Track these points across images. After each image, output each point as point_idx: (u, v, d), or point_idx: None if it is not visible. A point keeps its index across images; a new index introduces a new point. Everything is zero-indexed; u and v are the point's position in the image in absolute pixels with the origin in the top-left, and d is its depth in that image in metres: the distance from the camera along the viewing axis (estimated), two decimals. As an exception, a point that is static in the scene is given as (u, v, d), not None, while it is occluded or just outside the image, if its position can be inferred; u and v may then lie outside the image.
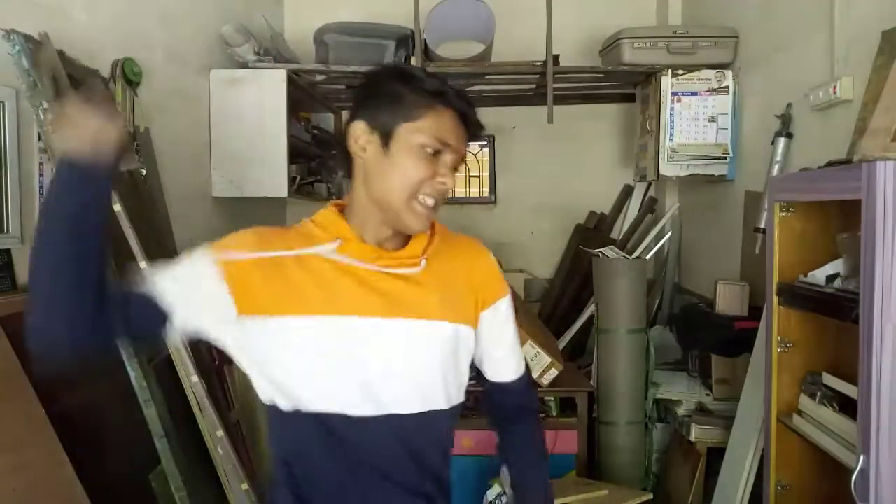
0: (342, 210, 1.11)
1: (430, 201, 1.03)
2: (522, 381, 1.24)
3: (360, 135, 1.05)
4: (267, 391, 1.06)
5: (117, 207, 1.89)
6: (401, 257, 1.07)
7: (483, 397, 1.28)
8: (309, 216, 1.10)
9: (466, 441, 2.58)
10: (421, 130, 1.02)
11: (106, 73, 2.26)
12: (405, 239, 1.10)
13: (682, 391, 2.81)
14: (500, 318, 1.18)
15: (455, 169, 1.07)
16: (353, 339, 1.03)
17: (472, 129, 1.09)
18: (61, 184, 0.88)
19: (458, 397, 1.12)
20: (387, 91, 1.05)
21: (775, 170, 2.45)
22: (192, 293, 0.98)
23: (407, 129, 1.02)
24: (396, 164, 1.02)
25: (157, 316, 0.95)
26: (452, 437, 1.16)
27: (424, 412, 1.06)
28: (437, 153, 1.03)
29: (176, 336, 1.00)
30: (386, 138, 1.03)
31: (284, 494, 1.07)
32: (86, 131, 0.86)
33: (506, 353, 1.21)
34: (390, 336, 1.04)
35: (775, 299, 1.80)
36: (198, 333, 1.01)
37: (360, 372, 1.03)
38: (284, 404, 1.04)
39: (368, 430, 1.03)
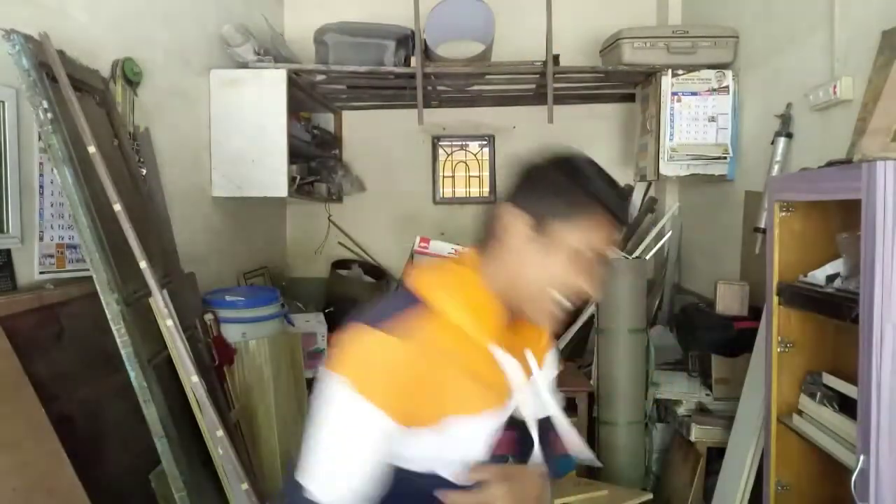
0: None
1: (567, 305, 0.99)
2: None
3: (512, 219, 1.00)
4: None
5: (117, 207, 1.89)
6: (535, 346, 1.08)
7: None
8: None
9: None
10: (577, 232, 0.97)
11: (106, 73, 2.26)
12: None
13: (682, 391, 2.81)
14: None
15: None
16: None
17: (621, 231, 1.05)
18: None
19: None
20: (550, 181, 1.00)
21: (775, 170, 2.45)
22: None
23: (563, 227, 0.97)
24: (545, 258, 0.97)
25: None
26: None
27: None
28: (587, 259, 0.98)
29: None
30: (540, 228, 0.98)
31: None
32: None
33: None
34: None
35: (775, 299, 1.80)
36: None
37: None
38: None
39: None
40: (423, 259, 3.39)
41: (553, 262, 0.97)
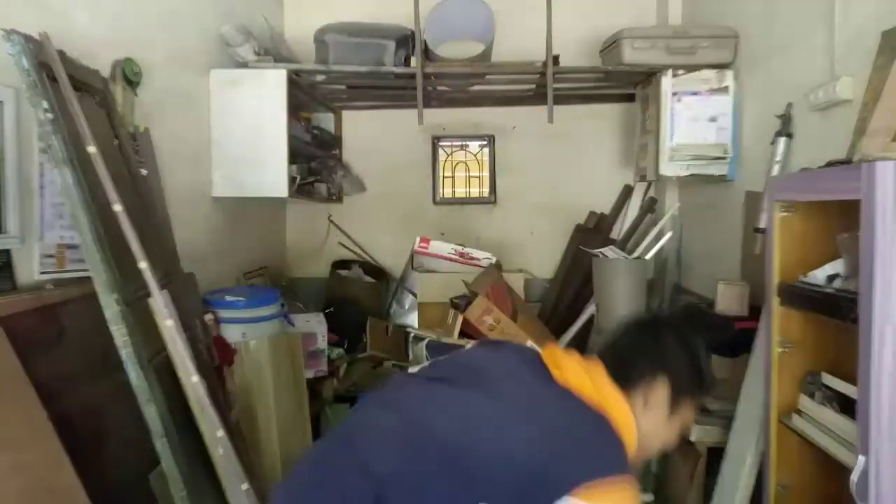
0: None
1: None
2: None
3: (663, 393, 1.22)
4: None
5: (117, 207, 1.89)
6: None
7: None
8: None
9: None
10: (692, 406, 1.25)
11: (106, 73, 2.26)
12: None
13: (682, 391, 2.81)
14: None
15: None
16: None
17: None
18: None
19: None
20: (693, 360, 1.25)
21: (775, 170, 2.45)
22: None
23: (688, 403, 1.24)
24: (670, 424, 1.23)
25: None
26: None
27: None
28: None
29: None
30: (675, 402, 1.22)
31: None
32: None
33: None
34: None
35: (775, 299, 1.80)
36: None
37: None
38: None
39: None
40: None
41: (673, 428, 1.23)
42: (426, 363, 2.43)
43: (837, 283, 1.63)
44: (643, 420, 1.19)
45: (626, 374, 1.20)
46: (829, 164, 1.78)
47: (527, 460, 1.04)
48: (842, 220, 1.67)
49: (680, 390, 1.21)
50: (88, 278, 1.87)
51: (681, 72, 3.08)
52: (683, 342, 1.25)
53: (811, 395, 1.73)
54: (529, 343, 1.91)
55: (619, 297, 2.91)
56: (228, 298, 2.71)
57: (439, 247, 3.68)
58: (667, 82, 3.09)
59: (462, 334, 2.88)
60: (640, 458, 1.21)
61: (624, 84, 3.61)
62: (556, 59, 3.19)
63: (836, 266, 1.66)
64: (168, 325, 1.98)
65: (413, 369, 2.27)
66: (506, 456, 1.05)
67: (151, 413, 1.87)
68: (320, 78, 3.43)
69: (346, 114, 4.16)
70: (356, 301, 3.82)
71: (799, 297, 1.72)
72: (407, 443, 1.10)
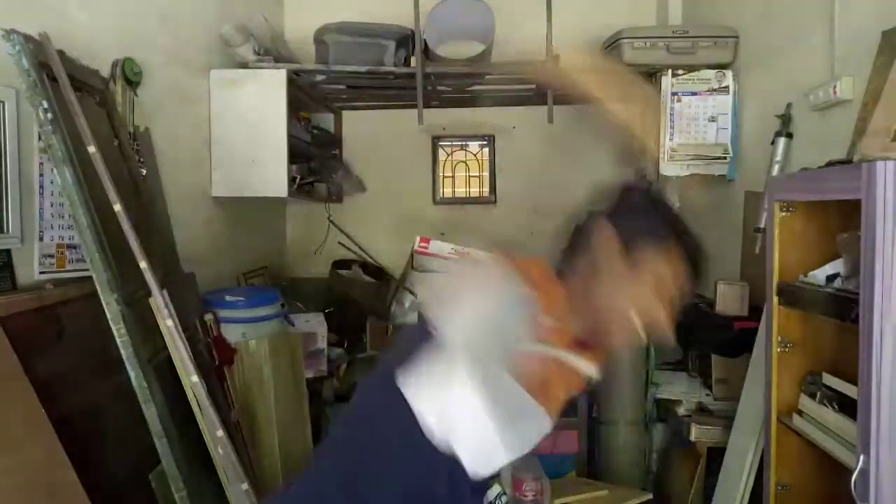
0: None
1: (642, 334, 0.97)
2: None
3: (604, 231, 1.00)
4: None
5: (117, 207, 1.89)
6: None
7: None
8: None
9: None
10: (666, 261, 0.98)
11: (106, 73, 2.26)
12: None
13: (682, 391, 2.81)
14: None
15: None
16: None
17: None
18: None
19: None
20: (644, 206, 1.07)
21: (775, 170, 2.45)
22: None
23: (653, 252, 0.98)
24: (630, 277, 0.97)
25: None
26: None
27: None
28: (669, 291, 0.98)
29: None
30: (630, 247, 0.98)
31: None
32: None
33: None
34: None
35: (775, 299, 1.80)
36: None
37: None
38: None
39: None
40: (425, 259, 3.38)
41: (637, 283, 0.95)
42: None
43: (837, 283, 1.63)
44: (580, 272, 1.01)
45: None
46: (829, 164, 1.78)
47: None
48: (842, 220, 1.67)
49: (629, 232, 0.99)
50: (88, 278, 1.87)
51: (681, 72, 3.08)
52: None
53: (811, 395, 1.73)
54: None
55: (619, 297, 2.91)
56: (228, 298, 2.70)
57: (439, 247, 3.68)
58: (667, 82, 3.09)
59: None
60: (600, 310, 0.96)
61: (624, 84, 3.61)
62: (556, 60, 3.19)
63: (836, 266, 1.66)
64: (168, 324, 1.98)
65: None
66: None
67: (151, 413, 1.87)
68: (320, 78, 3.43)
69: (346, 114, 4.16)
70: (356, 301, 3.82)
71: (799, 297, 1.72)
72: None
